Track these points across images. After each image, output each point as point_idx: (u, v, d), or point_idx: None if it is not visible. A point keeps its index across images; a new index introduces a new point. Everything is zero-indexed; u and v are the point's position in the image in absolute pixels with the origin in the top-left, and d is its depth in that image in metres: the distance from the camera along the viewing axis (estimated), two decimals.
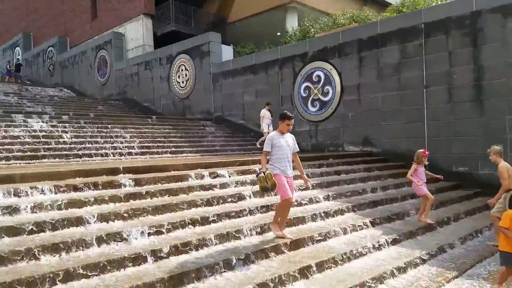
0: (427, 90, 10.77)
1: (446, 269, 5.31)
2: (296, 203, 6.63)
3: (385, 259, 5.31)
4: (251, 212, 6.03)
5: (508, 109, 9.48)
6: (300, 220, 6.11)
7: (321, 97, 12.91)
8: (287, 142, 5.31)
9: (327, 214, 6.54)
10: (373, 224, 6.56)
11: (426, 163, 7.21)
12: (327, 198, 7.37)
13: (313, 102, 13.12)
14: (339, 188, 8.14)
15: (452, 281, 5.00)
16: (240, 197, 6.48)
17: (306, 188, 7.09)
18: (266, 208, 6.24)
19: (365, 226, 6.40)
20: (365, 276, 4.65)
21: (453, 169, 10.14)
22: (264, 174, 4.98)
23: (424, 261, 5.52)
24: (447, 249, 6.08)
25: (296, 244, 5.27)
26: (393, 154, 11.31)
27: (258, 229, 5.44)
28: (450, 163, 10.18)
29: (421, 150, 7.16)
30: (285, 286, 4.32)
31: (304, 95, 13.36)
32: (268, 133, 11.99)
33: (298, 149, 5.52)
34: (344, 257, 5.13)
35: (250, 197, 6.58)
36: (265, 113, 13.19)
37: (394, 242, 6.00)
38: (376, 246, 5.68)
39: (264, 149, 5.27)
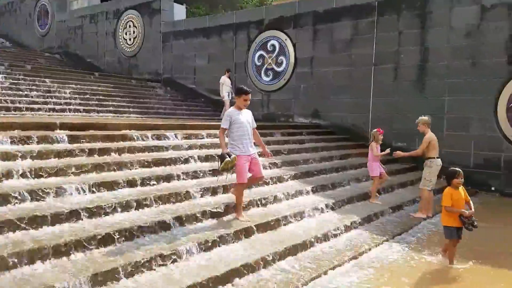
0: (376, 68, 11.11)
1: (377, 234, 5.70)
2: None
3: (323, 223, 5.59)
4: (196, 175, 5.95)
5: (447, 90, 10.06)
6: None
7: (275, 67, 12.87)
8: (246, 118, 5.05)
9: (273, 181, 6.67)
10: (315, 191, 6.81)
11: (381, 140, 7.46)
12: (274, 165, 7.48)
13: (267, 71, 13.06)
14: (287, 157, 8.29)
15: (382, 245, 5.38)
16: (187, 160, 6.36)
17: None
18: (213, 172, 6.17)
19: (308, 193, 6.63)
20: (303, 238, 4.87)
21: (393, 144, 10.64)
22: (230, 158, 4.73)
23: (358, 226, 5.90)
24: (379, 217, 6.53)
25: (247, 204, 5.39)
26: (340, 128, 11.67)
27: (203, 192, 5.40)
28: (390, 139, 10.67)
29: (376, 129, 7.43)
30: (226, 244, 4.38)
31: (258, 63, 13.23)
32: (230, 101, 11.85)
33: (255, 125, 5.27)
34: (285, 220, 5.33)
35: (195, 161, 6.48)
36: (225, 80, 12.58)
37: (333, 208, 6.31)
38: (316, 210, 5.97)
39: (221, 126, 4.98)
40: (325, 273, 4.31)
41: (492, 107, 9.48)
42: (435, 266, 4.75)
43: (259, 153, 5.45)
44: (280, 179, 6.86)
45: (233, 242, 4.49)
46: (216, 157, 4.96)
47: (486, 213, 7.62)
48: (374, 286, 4.09)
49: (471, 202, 4.84)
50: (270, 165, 7.38)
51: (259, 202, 5.66)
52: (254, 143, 5.23)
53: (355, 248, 5.07)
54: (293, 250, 4.62)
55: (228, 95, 12.45)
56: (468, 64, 9.78)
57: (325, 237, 5.18)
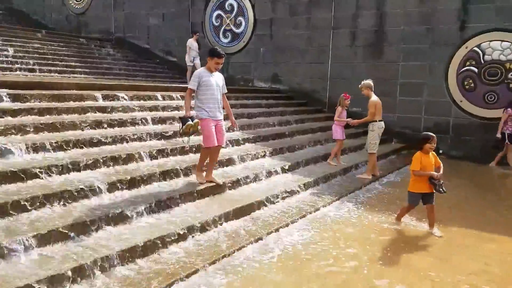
0: (334, 32, 11.08)
1: (328, 194, 5.88)
2: None
3: (277, 184, 5.68)
4: (149, 137, 5.75)
5: (402, 56, 10.27)
6: None
7: (234, 28, 12.51)
8: (218, 81, 4.78)
9: (230, 143, 6.61)
10: (272, 154, 6.85)
11: (348, 105, 7.53)
12: (232, 129, 7.38)
13: (225, 32, 12.68)
14: (245, 121, 8.22)
15: (332, 204, 5.58)
16: (139, 122, 6.11)
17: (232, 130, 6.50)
18: (162, 136, 5.97)
19: (264, 156, 6.65)
20: (256, 199, 4.93)
21: (349, 109, 10.88)
22: (193, 122, 4.54)
23: (311, 187, 6.06)
24: (331, 178, 6.71)
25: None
26: (299, 93, 11.68)
27: (154, 154, 5.25)
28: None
29: (343, 94, 7.48)
30: (179, 206, 4.34)
31: (216, 24, 12.79)
32: (194, 66, 11.30)
33: (226, 90, 5.00)
34: (241, 181, 5.33)
35: (148, 122, 6.24)
36: (192, 44, 11.50)
37: (289, 170, 6.40)
38: (272, 173, 6.03)
39: (189, 87, 4.69)
40: (277, 230, 4.43)
41: (443, 73, 9.82)
42: (380, 221, 4.97)
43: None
44: (237, 142, 6.81)
45: (184, 203, 4.44)
46: (178, 120, 4.71)
47: None
48: (319, 240, 4.24)
49: (441, 167, 4.63)
50: (228, 128, 7.28)
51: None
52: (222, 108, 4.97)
53: (306, 207, 5.23)
54: (245, 211, 4.67)
55: (194, 60, 11.48)
56: (422, 30, 9.98)
57: (278, 198, 5.28)
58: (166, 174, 4.82)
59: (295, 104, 11.09)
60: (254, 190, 5.31)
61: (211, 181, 4.91)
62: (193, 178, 5.03)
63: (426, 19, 9.91)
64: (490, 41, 9.27)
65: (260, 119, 8.76)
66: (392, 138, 10.46)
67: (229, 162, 5.90)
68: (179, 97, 7.81)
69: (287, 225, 4.61)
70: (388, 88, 10.39)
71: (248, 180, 5.49)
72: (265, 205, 4.99)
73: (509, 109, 8.45)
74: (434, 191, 4.55)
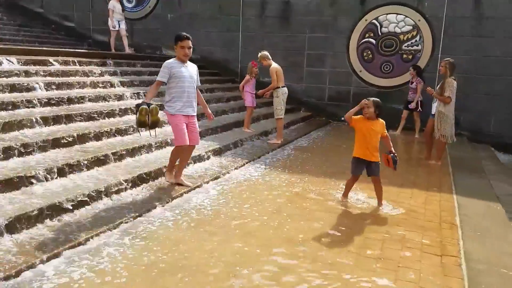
0: (244, 1, 11.04)
1: (241, 157, 5.98)
2: (102, 98, 6.17)
3: None
4: (40, 104, 5.23)
5: (308, 29, 10.64)
6: (105, 115, 5.74)
7: None
8: (191, 72, 4.25)
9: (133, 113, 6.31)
10: None
11: (257, 73, 7.60)
12: (136, 96, 7.06)
13: None
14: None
15: (243, 167, 5.71)
16: (29, 88, 5.52)
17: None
18: (58, 102, 5.49)
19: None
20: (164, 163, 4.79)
21: (260, 79, 11.03)
22: (148, 107, 3.94)
23: (221, 152, 6.06)
24: (243, 144, 6.83)
25: (98, 137, 4.99)
26: (211, 62, 11.50)
27: (53, 120, 4.80)
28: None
29: (250, 62, 7.53)
30: (81, 171, 4.06)
31: None
32: (119, 32, 10.30)
33: (200, 83, 4.51)
34: (145, 149, 5.14)
35: (40, 89, 5.66)
36: (114, 5, 10.33)
37: (203, 136, 6.27)
38: None
39: (157, 78, 4.14)
40: (187, 192, 4.40)
41: (345, 44, 10.43)
42: (285, 181, 5.21)
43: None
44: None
45: (86, 170, 4.17)
46: (133, 108, 4.16)
47: (333, 139, 8.65)
48: (229, 198, 4.32)
49: (389, 138, 4.31)
50: (133, 96, 6.94)
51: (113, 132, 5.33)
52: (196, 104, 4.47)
53: (219, 169, 5.29)
54: (150, 177, 4.53)
55: (119, 24, 10.38)
56: (327, 2, 10.42)
57: (194, 161, 5.23)
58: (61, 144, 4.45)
59: (207, 74, 10.92)
60: (162, 156, 5.15)
61: (179, 184, 4.46)
62: (95, 143, 4.74)
63: None
64: (387, 14, 10.02)
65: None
66: (301, 107, 10.93)
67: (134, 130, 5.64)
68: (76, 62, 7.22)
69: (200, 185, 4.63)
70: (297, 59, 10.77)
71: (155, 148, 5.32)
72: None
73: (419, 78, 8.81)
74: (390, 162, 4.21)
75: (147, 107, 3.95)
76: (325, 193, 4.73)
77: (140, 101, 4.19)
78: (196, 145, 4.52)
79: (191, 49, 4.20)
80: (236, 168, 5.52)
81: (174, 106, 4.20)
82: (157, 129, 4.38)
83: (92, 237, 3.14)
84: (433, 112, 6.60)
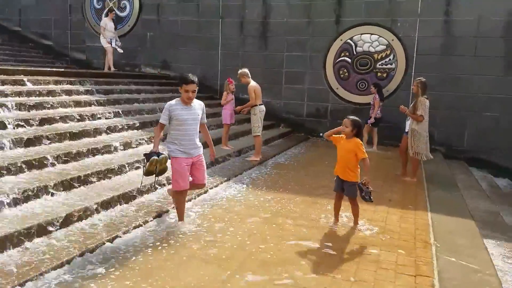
0: (223, 20, 11.17)
1: (218, 176, 5.98)
2: (78, 118, 6.09)
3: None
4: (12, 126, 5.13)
5: (285, 47, 10.82)
6: (85, 134, 5.71)
7: (118, 12, 11.78)
8: (193, 115, 4.04)
9: (112, 129, 6.25)
10: (162, 139, 6.62)
11: (233, 90, 7.67)
12: (117, 114, 7.01)
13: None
14: (130, 107, 7.84)
15: (221, 184, 5.72)
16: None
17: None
18: (29, 122, 5.40)
19: (147, 142, 6.42)
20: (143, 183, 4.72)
21: (240, 96, 11.13)
22: (158, 156, 3.88)
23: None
24: (222, 161, 6.84)
25: (78, 156, 4.97)
26: None
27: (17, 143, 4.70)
28: (238, 91, 11.08)
29: (227, 79, 7.63)
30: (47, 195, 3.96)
31: (98, 6, 11.91)
32: (115, 49, 10.24)
33: (205, 120, 4.30)
34: (121, 168, 5.06)
35: (12, 108, 5.55)
36: (107, 24, 10.37)
37: None
38: None
39: (159, 121, 4.02)
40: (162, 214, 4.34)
41: (322, 63, 10.63)
42: (262, 200, 5.21)
43: None
44: (122, 129, 6.49)
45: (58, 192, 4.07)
46: (143, 156, 4.01)
47: (312, 155, 8.71)
48: (208, 220, 4.28)
49: (368, 164, 4.22)
50: (108, 114, 6.86)
51: (94, 151, 5.24)
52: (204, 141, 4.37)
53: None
54: (127, 197, 4.48)
55: (112, 42, 10.38)
56: (304, 22, 10.65)
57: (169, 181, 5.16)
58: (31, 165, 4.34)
59: None
60: (139, 175, 5.09)
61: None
62: (73, 164, 4.71)
63: (307, 12, 10.59)
64: (361, 34, 10.29)
65: (146, 105, 8.45)
66: (280, 123, 11.02)
67: (113, 149, 5.57)
68: (51, 82, 7.14)
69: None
70: (275, 77, 10.91)
71: (131, 167, 5.26)
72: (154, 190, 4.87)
73: (377, 95, 9.43)
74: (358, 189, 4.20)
75: (157, 158, 3.88)
76: (302, 212, 4.74)
77: (148, 150, 4.08)
78: (204, 183, 4.34)
79: (195, 93, 4.00)
80: (214, 187, 5.49)
81: (175, 149, 4.03)
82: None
83: None
84: (406, 130, 6.76)
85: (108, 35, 10.35)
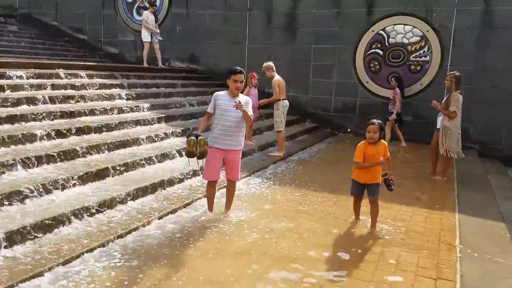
0: (250, 13, 11.11)
1: (242, 171, 5.93)
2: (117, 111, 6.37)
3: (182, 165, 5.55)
4: (48, 117, 5.35)
5: (314, 39, 10.64)
6: (115, 127, 5.88)
7: (148, 6, 11.93)
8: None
9: (140, 122, 6.42)
10: (183, 133, 6.72)
11: (256, 84, 7.62)
12: (147, 108, 7.19)
13: (139, 10, 12.08)
14: (159, 100, 8.00)
15: (244, 179, 5.73)
16: (33, 100, 5.65)
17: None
18: (70, 115, 5.62)
19: (175, 135, 6.53)
20: (164, 177, 4.83)
21: (266, 90, 11.08)
22: (197, 138, 3.99)
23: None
24: (248, 155, 6.85)
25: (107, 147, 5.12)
26: (216, 73, 11.56)
27: (54, 133, 4.90)
28: (264, 85, 11.04)
29: (249, 73, 7.56)
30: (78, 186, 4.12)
31: (129, 0, 12.14)
32: (153, 45, 10.40)
33: (251, 113, 4.20)
34: (147, 161, 5.19)
35: (43, 102, 5.78)
36: (148, 17, 10.24)
37: None
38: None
39: (207, 110, 4.23)
40: (189, 204, 4.48)
41: (352, 55, 10.37)
42: (284, 196, 5.19)
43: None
44: (151, 121, 6.70)
45: (80, 185, 4.23)
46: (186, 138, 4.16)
47: (337, 152, 8.56)
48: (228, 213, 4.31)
49: (390, 161, 4.19)
50: (137, 108, 7.03)
51: (119, 144, 5.40)
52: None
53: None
54: (152, 189, 4.61)
55: (151, 36, 10.42)
56: (333, 13, 10.41)
57: (187, 177, 5.24)
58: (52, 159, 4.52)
59: (212, 85, 11.00)
60: (162, 169, 5.21)
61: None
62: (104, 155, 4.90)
63: (336, 3, 10.33)
64: (394, 24, 9.92)
65: (175, 99, 8.57)
66: (306, 118, 10.89)
67: (139, 142, 5.72)
68: (84, 76, 7.37)
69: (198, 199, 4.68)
70: (302, 70, 10.77)
71: (157, 159, 5.38)
72: (173, 184, 4.95)
73: (397, 89, 8.94)
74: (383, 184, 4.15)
75: (195, 138, 3.99)
76: (324, 209, 4.69)
77: (192, 132, 4.26)
78: (235, 180, 4.36)
79: (243, 83, 4.16)
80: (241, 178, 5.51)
81: (212, 137, 4.16)
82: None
83: None
84: (438, 127, 6.50)
85: (148, 29, 10.33)
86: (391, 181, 4.14)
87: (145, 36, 10.41)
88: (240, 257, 3.39)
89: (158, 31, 10.56)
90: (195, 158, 4.06)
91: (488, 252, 3.73)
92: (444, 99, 6.45)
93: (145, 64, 10.48)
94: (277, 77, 7.11)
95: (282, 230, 4.03)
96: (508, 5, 8.79)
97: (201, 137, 4.04)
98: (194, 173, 5.35)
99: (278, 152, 7.29)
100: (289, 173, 6.34)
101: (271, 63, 7.22)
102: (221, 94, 4.18)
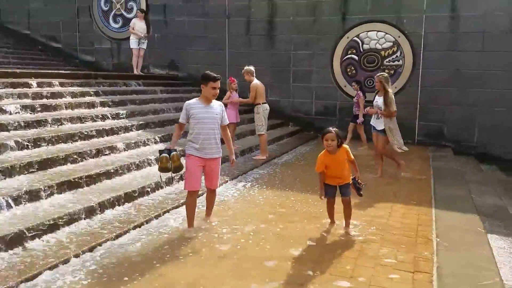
0: (229, 20, 11.19)
1: (224, 175, 5.94)
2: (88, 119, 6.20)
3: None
4: (19, 127, 5.23)
5: (292, 46, 10.78)
6: (87, 137, 5.74)
7: (125, 13, 11.92)
8: (211, 114, 3.99)
9: (115, 130, 6.32)
10: (164, 140, 6.67)
11: (236, 88, 7.65)
12: (122, 116, 7.08)
13: (116, 17, 12.02)
14: (137, 107, 7.91)
15: (226, 183, 5.75)
16: (4, 110, 5.52)
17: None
18: (42, 123, 5.52)
19: (156, 142, 6.48)
20: (140, 185, 4.79)
21: (248, 95, 11.15)
22: (169, 155, 3.87)
23: None
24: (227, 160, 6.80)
25: (81, 155, 5.05)
26: (197, 79, 11.33)
27: (26, 143, 4.79)
28: (245, 91, 11.08)
29: (228, 78, 7.62)
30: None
31: (105, 8, 12.06)
32: (139, 52, 10.28)
33: (227, 121, 4.23)
34: (123, 169, 5.12)
35: (14, 112, 5.63)
36: (135, 24, 10.19)
37: (182, 155, 6.27)
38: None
39: (179, 120, 4.05)
40: (167, 211, 4.43)
41: (329, 60, 10.56)
42: (266, 199, 5.21)
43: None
44: (127, 129, 6.57)
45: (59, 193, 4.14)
46: (158, 154, 4.04)
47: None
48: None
49: (355, 163, 4.16)
50: (113, 116, 6.94)
51: (96, 152, 5.31)
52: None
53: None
54: (128, 197, 4.54)
55: (138, 43, 10.29)
56: (310, 20, 10.59)
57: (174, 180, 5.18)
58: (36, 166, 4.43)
59: (193, 91, 10.98)
60: (142, 177, 5.14)
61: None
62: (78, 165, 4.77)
63: (312, 11, 10.52)
64: (368, 31, 10.18)
65: (153, 105, 8.51)
66: (289, 122, 11.00)
67: (113, 149, 5.63)
68: (58, 84, 7.25)
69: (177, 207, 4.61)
70: (283, 75, 10.90)
71: (133, 167, 5.30)
72: (150, 193, 4.89)
73: (360, 92, 9.02)
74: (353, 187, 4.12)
75: (167, 155, 3.86)
76: (305, 211, 4.73)
77: (163, 146, 4.09)
78: (214, 188, 4.24)
79: (219, 89, 4.03)
80: (220, 185, 5.49)
81: (191, 146, 4.01)
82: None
83: None
84: (378, 128, 6.47)
85: (136, 36, 10.22)
86: (360, 184, 4.10)
87: (133, 43, 10.34)
88: (221, 262, 3.38)
89: (145, 39, 10.49)
90: (169, 172, 3.98)
91: (463, 244, 3.84)
92: (382, 101, 6.30)
93: (136, 72, 10.38)
94: (255, 81, 7.18)
95: (264, 231, 4.04)
96: (472, 11, 9.17)
97: (174, 152, 3.91)
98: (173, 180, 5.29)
99: (261, 155, 7.33)
100: (272, 176, 6.37)
101: (251, 68, 7.28)
102: (193, 102, 4.02)
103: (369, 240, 3.88)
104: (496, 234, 4.37)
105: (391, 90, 6.36)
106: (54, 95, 6.74)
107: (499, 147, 9.05)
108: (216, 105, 4.07)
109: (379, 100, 6.39)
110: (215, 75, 3.98)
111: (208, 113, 3.98)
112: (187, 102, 4.05)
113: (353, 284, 3.01)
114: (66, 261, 3.17)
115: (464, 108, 9.36)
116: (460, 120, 9.41)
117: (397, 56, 9.96)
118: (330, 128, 3.98)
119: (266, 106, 7.25)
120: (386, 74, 6.50)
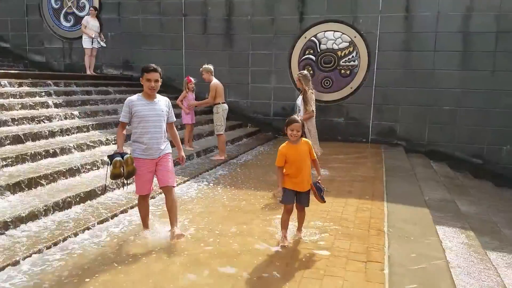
0: (186, 18, 11.06)
1: (180, 175, 5.87)
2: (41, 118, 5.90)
3: None
4: None
5: (251, 45, 10.82)
6: (39, 137, 5.50)
7: (76, 12, 11.46)
8: (156, 111, 3.66)
9: (68, 131, 6.07)
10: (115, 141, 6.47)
11: (193, 88, 7.54)
12: (78, 116, 6.85)
13: (67, 16, 11.53)
14: (90, 108, 7.65)
15: (183, 184, 5.62)
16: None
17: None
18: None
19: (106, 143, 6.27)
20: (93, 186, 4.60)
21: (206, 96, 11.02)
22: (123, 158, 3.49)
23: None
24: (188, 161, 6.72)
25: (33, 157, 4.84)
26: None
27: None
28: (203, 91, 10.98)
29: (185, 78, 7.47)
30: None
31: (55, 6, 11.54)
32: (92, 52, 9.82)
33: (174, 118, 3.91)
34: (76, 170, 4.92)
35: None
36: (88, 22, 9.77)
37: None
38: None
39: (120, 119, 3.66)
40: (124, 211, 4.33)
41: (287, 61, 10.69)
42: (223, 198, 5.17)
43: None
44: (79, 129, 6.34)
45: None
46: (107, 159, 3.63)
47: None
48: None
49: (317, 163, 3.80)
50: (67, 116, 6.66)
51: (50, 152, 5.07)
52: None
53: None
54: (83, 198, 4.39)
55: (92, 43, 9.82)
56: (268, 20, 10.68)
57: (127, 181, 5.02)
58: None
59: None
60: (96, 178, 4.96)
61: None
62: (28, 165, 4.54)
63: (270, 10, 10.62)
64: (325, 31, 10.39)
65: (107, 106, 8.24)
66: (247, 123, 11.00)
67: (67, 150, 5.40)
68: (6, 84, 6.86)
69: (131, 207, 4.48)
70: (241, 76, 10.90)
71: (86, 168, 5.11)
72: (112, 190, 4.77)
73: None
74: (315, 193, 3.73)
75: (121, 159, 3.49)
76: (260, 209, 4.74)
77: (111, 151, 3.73)
78: (171, 185, 3.76)
79: (159, 82, 3.66)
80: (177, 184, 5.38)
81: (136, 149, 3.67)
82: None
83: None
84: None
85: (89, 34, 9.84)
86: (323, 187, 3.78)
87: (86, 42, 9.97)
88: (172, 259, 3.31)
89: (101, 37, 10.18)
90: (121, 178, 3.59)
91: (413, 234, 4.00)
92: (300, 100, 6.37)
93: (89, 72, 9.97)
94: (215, 81, 7.12)
95: (224, 231, 4.01)
96: (425, 11, 9.59)
97: (128, 155, 3.55)
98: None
99: (219, 155, 7.27)
100: (230, 175, 6.34)
101: (210, 66, 7.20)
102: (134, 99, 3.66)
103: (323, 232, 3.95)
104: (445, 226, 4.58)
105: (310, 90, 6.22)
106: (2, 95, 6.37)
107: (447, 145, 9.54)
108: (162, 101, 3.76)
109: (299, 100, 6.40)
110: (149, 66, 3.62)
111: (153, 110, 3.64)
112: (128, 98, 3.70)
113: (308, 275, 3.04)
114: None
115: (416, 107, 9.78)
116: (412, 119, 9.82)
117: (353, 56, 10.25)
118: (295, 117, 3.64)
119: (226, 106, 7.22)
120: (306, 72, 6.32)
